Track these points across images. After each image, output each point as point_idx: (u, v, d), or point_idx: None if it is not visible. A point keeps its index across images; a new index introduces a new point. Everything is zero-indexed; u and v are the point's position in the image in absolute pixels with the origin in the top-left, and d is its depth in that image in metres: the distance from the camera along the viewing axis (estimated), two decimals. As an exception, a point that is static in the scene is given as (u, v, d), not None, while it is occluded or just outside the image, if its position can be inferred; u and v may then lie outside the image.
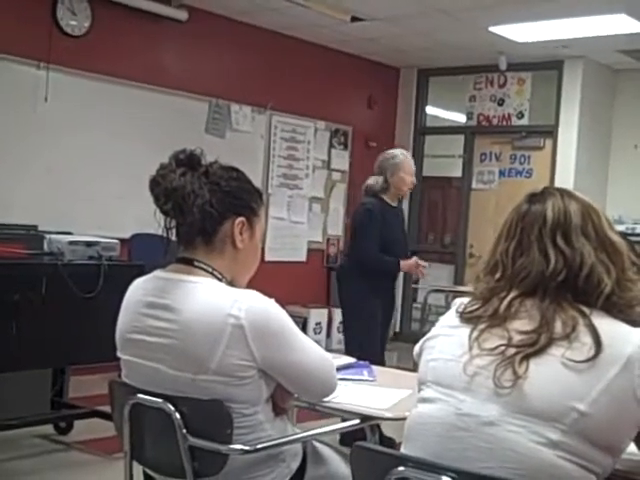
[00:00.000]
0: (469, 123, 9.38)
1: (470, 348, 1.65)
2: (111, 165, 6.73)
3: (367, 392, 2.63)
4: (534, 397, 1.55)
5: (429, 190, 9.80)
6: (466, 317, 1.73)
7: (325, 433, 2.38)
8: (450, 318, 1.79)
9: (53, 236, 4.64)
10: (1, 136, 6.14)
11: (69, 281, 4.34)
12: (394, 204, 5.17)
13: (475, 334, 1.67)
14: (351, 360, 3.03)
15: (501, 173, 9.16)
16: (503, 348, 1.61)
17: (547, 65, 8.62)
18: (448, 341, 1.73)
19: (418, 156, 9.64)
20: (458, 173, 9.46)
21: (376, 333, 5.02)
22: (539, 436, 1.53)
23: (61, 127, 6.46)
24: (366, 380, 2.82)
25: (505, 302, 1.68)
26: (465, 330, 1.70)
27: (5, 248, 4.38)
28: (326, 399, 2.31)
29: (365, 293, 5.01)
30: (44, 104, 6.35)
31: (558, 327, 1.61)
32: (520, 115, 8.94)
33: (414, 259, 5.20)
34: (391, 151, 5.28)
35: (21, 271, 4.29)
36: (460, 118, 9.50)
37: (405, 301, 9.56)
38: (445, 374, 1.69)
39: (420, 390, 1.76)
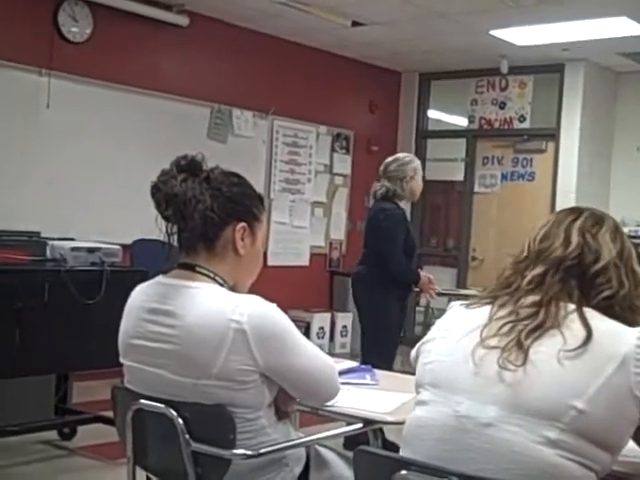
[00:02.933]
0: (471, 127, 9.38)
1: (485, 325, 1.68)
2: (113, 171, 6.74)
3: (369, 396, 2.63)
4: (532, 396, 1.56)
5: (431, 194, 9.77)
6: (484, 298, 1.77)
7: (328, 437, 2.38)
8: (447, 320, 1.81)
9: (55, 242, 4.65)
10: (3, 143, 6.15)
11: (71, 287, 4.34)
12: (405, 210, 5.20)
13: (493, 310, 1.71)
14: (353, 364, 3.04)
15: (503, 176, 9.15)
16: (511, 326, 1.65)
17: (548, 68, 8.63)
18: (445, 343, 1.75)
19: (420, 160, 9.61)
20: (460, 177, 9.46)
21: (396, 338, 5.09)
22: (538, 435, 1.54)
23: (63, 133, 6.47)
24: (368, 384, 2.82)
25: (527, 278, 1.73)
26: (468, 325, 1.72)
27: (8, 254, 4.39)
28: (329, 403, 2.31)
29: (386, 299, 5.00)
30: (46, 111, 6.36)
31: (552, 313, 1.65)
32: (522, 118, 8.94)
33: (428, 277, 5.17)
34: (403, 155, 5.27)
35: (24, 277, 4.30)
36: (462, 122, 9.50)
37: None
38: (442, 376, 1.70)
39: (418, 393, 1.77)
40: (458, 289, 8.52)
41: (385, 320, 5.01)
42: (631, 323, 1.68)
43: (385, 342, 4.96)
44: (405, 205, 5.20)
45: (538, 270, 1.74)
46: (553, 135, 8.68)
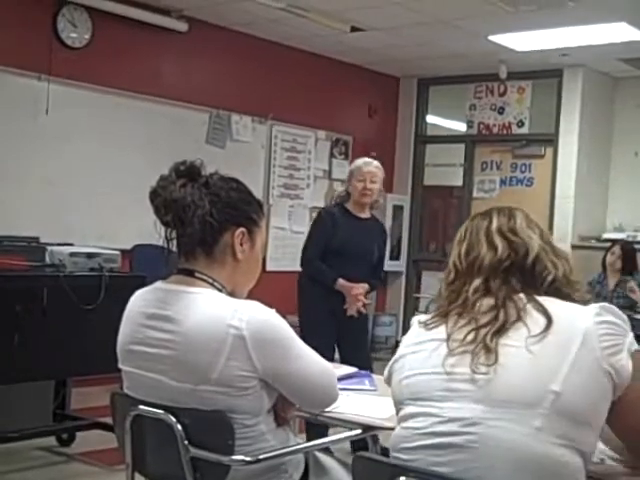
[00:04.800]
0: (470, 132, 9.38)
1: (448, 338, 1.71)
2: (112, 176, 6.74)
3: (369, 402, 2.62)
4: (510, 388, 1.60)
5: (430, 199, 9.80)
6: (437, 316, 1.79)
7: (327, 443, 2.37)
8: (412, 336, 1.83)
9: (54, 248, 4.65)
10: (2, 148, 6.15)
11: (70, 293, 4.33)
12: (361, 215, 4.98)
13: (450, 324, 1.74)
14: (352, 370, 3.03)
15: (502, 182, 9.16)
16: (474, 333, 1.68)
17: (547, 73, 8.64)
18: (415, 357, 1.77)
19: (419, 165, 9.66)
20: (459, 182, 9.46)
21: (321, 339, 4.51)
22: (523, 425, 1.57)
23: (62, 138, 6.47)
24: (367, 390, 2.82)
25: (471, 290, 1.76)
26: (433, 341, 1.74)
27: (6, 260, 4.39)
28: (328, 409, 2.31)
29: (311, 298, 4.93)
30: (45, 116, 6.36)
31: (511, 309, 1.69)
32: (520, 124, 8.95)
33: (356, 287, 4.84)
34: None
35: (22, 283, 4.29)
36: (460, 127, 9.51)
37: (407, 310, 9.55)
38: (421, 387, 1.71)
39: (399, 410, 1.78)
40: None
41: (307, 319, 4.90)
42: (573, 296, 1.76)
43: (313, 341, 4.83)
44: (359, 211, 4.98)
45: (478, 281, 1.77)
46: (552, 140, 8.70)
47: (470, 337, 1.68)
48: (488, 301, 1.72)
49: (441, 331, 1.74)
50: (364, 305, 4.91)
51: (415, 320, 1.86)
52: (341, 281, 4.83)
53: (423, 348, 1.75)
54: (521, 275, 1.76)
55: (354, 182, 4.93)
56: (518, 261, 1.77)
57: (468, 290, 1.76)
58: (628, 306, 6.56)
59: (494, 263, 1.77)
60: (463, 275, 1.80)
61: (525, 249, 1.78)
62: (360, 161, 5.09)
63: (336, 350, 4.96)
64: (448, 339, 1.70)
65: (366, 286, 4.91)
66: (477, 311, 1.72)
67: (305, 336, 2.14)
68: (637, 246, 7.50)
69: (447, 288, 1.82)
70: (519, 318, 1.67)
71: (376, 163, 5.05)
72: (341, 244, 4.87)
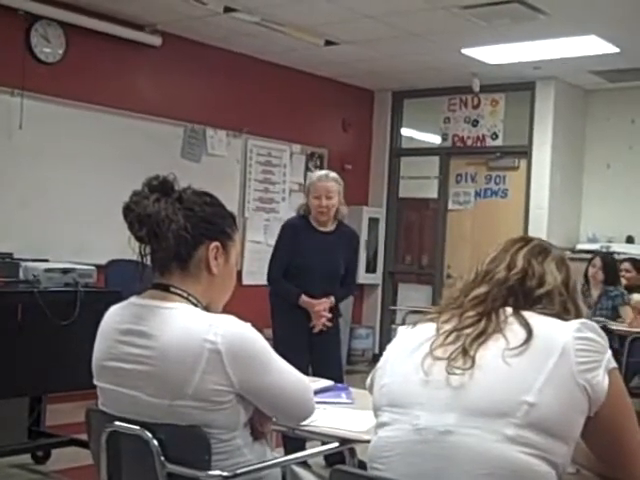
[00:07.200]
0: (444, 144, 9.44)
1: (433, 338, 1.74)
2: (87, 191, 6.72)
3: (345, 415, 2.63)
4: (484, 397, 1.61)
5: (405, 211, 9.84)
6: (432, 311, 1.84)
7: (304, 457, 2.37)
8: (396, 344, 1.85)
9: (29, 263, 4.62)
10: (-25, 164, 6.12)
11: (45, 308, 4.31)
12: (324, 229, 4.92)
13: (439, 324, 1.77)
14: (329, 383, 3.03)
15: (477, 194, 9.22)
16: (456, 335, 1.71)
17: (520, 86, 8.72)
18: (397, 363, 1.79)
19: (394, 178, 9.69)
20: (434, 194, 9.51)
21: (295, 354, 4.54)
22: (496, 434, 1.58)
23: (36, 154, 6.44)
24: (344, 403, 2.82)
25: (470, 297, 1.79)
26: (416, 339, 1.77)
27: (-20, 276, 4.36)
28: (304, 422, 2.31)
29: (283, 312, 4.89)
30: (19, 131, 6.33)
31: (493, 320, 1.72)
32: (494, 136, 9.02)
33: (319, 303, 4.80)
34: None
35: (-4, 299, 4.26)
36: (435, 139, 9.56)
37: (383, 322, 9.57)
38: (398, 394, 1.73)
39: (377, 417, 1.79)
40: (433, 307, 8.54)
41: (279, 331, 4.84)
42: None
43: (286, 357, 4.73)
44: (320, 224, 4.89)
45: (481, 289, 1.80)
46: (525, 152, 8.77)
47: (451, 338, 1.71)
48: (478, 309, 1.75)
49: (428, 329, 1.77)
50: (330, 320, 4.85)
51: (401, 328, 1.89)
52: (304, 298, 4.80)
53: (405, 351, 1.77)
54: (524, 299, 1.77)
55: (310, 198, 4.87)
56: (526, 287, 1.79)
57: (468, 295, 1.80)
58: (611, 317, 6.59)
59: (502, 278, 1.80)
60: (478, 279, 1.83)
61: (540, 281, 1.80)
62: (315, 176, 4.99)
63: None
64: (432, 339, 1.73)
65: (331, 299, 4.87)
66: (465, 317, 1.74)
67: (279, 351, 2.14)
68: (616, 256, 7.54)
69: (462, 287, 1.85)
70: (499, 330, 1.69)
71: (332, 175, 4.93)
72: (303, 261, 4.83)
